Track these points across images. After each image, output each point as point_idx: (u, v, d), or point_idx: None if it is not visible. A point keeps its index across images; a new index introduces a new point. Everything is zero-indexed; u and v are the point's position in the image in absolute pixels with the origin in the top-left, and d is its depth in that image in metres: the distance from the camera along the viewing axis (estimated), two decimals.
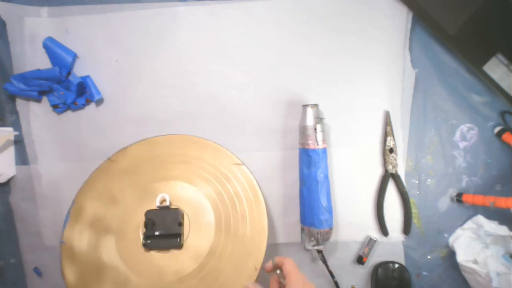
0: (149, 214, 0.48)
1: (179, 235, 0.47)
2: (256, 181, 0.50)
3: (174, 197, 0.49)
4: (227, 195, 0.49)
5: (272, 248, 0.56)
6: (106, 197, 0.50)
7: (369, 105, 0.55)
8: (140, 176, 0.50)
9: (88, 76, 0.55)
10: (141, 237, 0.48)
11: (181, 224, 0.48)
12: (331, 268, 0.53)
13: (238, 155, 0.55)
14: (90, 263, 0.47)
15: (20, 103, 0.56)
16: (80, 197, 0.50)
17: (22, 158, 0.57)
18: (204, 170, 0.50)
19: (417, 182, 0.55)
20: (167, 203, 0.48)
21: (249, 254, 0.47)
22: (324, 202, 0.50)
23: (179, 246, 0.47)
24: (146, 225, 0.47)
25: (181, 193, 0.49)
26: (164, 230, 0.47)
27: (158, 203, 0.48)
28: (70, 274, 0.47)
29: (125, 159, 0.51)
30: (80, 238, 0.48)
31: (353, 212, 0.55)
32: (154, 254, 0.47)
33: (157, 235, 0.47)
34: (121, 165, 0.51)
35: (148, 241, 0.47)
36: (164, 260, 0.47)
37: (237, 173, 0.50)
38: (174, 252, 0.47)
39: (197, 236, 0.48)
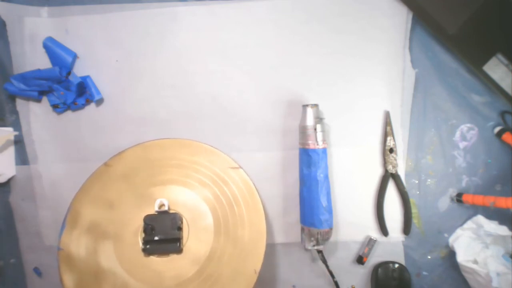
0: (148, 219, 0.47)
1: (178, 239, 0.47)
2: (253, 183, 0.50)
3: (172, 201, 0.49)
4: (225, 198, 0.49)
5: (272, 248, 0.56)
6: (103, 202, 0.50)
7: (369, 105, 0.55)
8: (136, 180, 0.50)
9: (88, 76, 0.55)
10: (140, 242, 0.48)
11: (180, 229, 0.47)
12: (331, 268, 0.53)
13: (238, 155, 0.55)
14: (89, 269, 0.47)
15: (20, 103, 0.56)
16: (76, 203, 0.50)
17: (22, 158, 0.57)
18: (201, 174, 0.50)
19: (417, 182, 0.55)
20: (165, 208, 0.48)
21: (248, 257, 0.47)
22: (324, 202, 0.50)
23: (179, 250, 0.47)
24: (145, 230, 0.47)
25: (179, 197, 0.49)
26: (163, 235, 0.47)
27: (156, 208, 0.48)
28: (69, 280, 0.47)
29: (121, 164, 0.51)
30: (78, 244, 0.48)
31: (353, 212, 0.55)
32: (154, 259, 0.47)
33: (157, 240, 0.47)
34: (117, 170, 0.51)
35: (148, 246, 0.47)
36: (164, 265, 0.47)
37: (234, 176, 0.50)
38: (173, 257, 0.47)
39: (196, 240, 0.48)
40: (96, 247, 0.48)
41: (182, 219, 0.48)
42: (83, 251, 0.48)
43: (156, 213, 0.48)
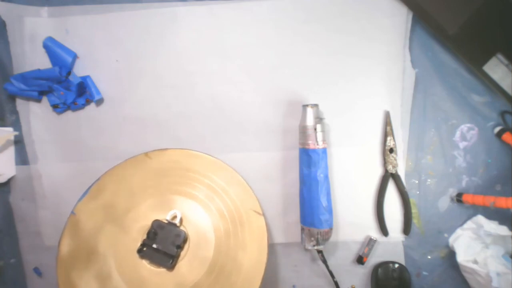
0: (156, 225, 0.47)
1: (173, 257, 0.46)
2: (268, 234, 0.49)
3: (185, 217, 0.49)
4: (234, 239, 0.48)
5: (272, 248, 0.56)
6: (128, 188, 0.50)
7: (369, 105, 0.55)
8: (165, 181, 0.50)
9: (88, 76, 0.55)
10: (140, 242, 0.48)
11: (179, 247, 0.47)
12: (331, 268, 0.53)
13: (238, 155, 0.55)
14: (86, 245, 0.48)
15: (20, 103, 0.56)
16: (106, 178, 0.51)
17: (22, 158, 0.57)
18: (225, 205, 0.49)
19: (417, 182, 0.55)
20: (176, 221, 0.48)
21: None
22: (324, 202, 0.50)
23: (170, 267, 0.47)
24: (148, 233, 0.47)
25: (193, 217, 0.49)
26: (162, 246, 0.47)
27: (168, 217, 0.48)
28: (65, 246, 0.48)
29: (160, 160, 0.51)
30: (89, 217, 0.49)
31: (353, 212, 0.55)
32: (145, 264, 0.47)
33: (154, 247, 0.47)
34: (154, 164, 0.51)
35: (144, 249, 0.47)
36: (150, 274, 0.47)
37: (253, 220, 0.49)
38: (162, 271, 0.47)
39: (189, 266, 0.47)
40: (102, 228, 0.48)
41: (186, 239, 0.48)
42: (90, 225, 0.48)
43: (166, 222, 0.48)
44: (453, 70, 0.54)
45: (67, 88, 0.54)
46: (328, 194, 0.51)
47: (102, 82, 0.56)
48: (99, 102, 0.56)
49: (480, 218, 0.53)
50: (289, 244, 0.56)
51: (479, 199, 0.51)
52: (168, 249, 0.46)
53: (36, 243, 0.57)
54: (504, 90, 0.52)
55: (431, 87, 0.55)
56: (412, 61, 0.54)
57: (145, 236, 0.47)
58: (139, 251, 0.47)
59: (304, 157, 0.52)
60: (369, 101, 0.55)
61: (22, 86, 0.54)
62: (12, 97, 0.56)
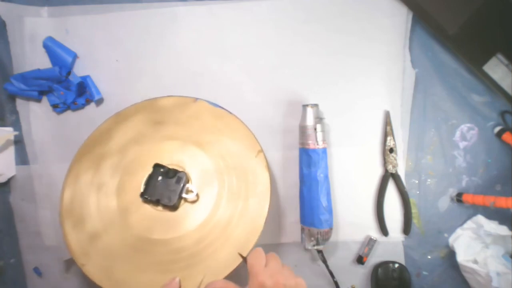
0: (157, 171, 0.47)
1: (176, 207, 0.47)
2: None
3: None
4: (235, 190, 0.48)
5: (272, 248, 0.56)
6: (155, 118, 0.51)
7: (369, 105, 0.55)
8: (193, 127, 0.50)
9: (88, 76, 0.55)
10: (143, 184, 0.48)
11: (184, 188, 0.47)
12: (331, 268, 0.53)
13: None
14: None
15: (20, 103, 0.56)
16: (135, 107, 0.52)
17: (22, 158, 0.57)
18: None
19: (417, 182, 0.55)
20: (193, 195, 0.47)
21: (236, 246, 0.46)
22: (324, 202, 0.50)
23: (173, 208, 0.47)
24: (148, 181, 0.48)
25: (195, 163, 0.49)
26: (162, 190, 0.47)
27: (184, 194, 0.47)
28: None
29: (191, 110, 0.51)
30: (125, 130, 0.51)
31: (353, 212, 0.55)
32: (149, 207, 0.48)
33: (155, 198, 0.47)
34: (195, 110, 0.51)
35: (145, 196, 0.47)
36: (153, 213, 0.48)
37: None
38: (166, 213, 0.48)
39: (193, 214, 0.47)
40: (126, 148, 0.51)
41: (188, 180, 0.48)
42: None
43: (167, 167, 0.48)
44: (453, 70, 0.54)
45: (67, 88, 0.54)
46: (328, 194, 0.51)
47: (102, 82, 0.56)
48: (99, 102, 0.56)
49: (480, 218, 0.52)
50: (289, 244, 0.56)
51: (479, 199, 0.51)
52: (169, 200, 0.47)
53: (36, 243, 0.57)
54: (504, 90, 0.52)
55: (431, 87, 0.55)
56: (412, 61, 0.54)
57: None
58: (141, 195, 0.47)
59: (304, 157, 0.52)
60: (369, 101, 0.55)
61: (22, 86, 0.54)
62: (12, 97, 0.56)
